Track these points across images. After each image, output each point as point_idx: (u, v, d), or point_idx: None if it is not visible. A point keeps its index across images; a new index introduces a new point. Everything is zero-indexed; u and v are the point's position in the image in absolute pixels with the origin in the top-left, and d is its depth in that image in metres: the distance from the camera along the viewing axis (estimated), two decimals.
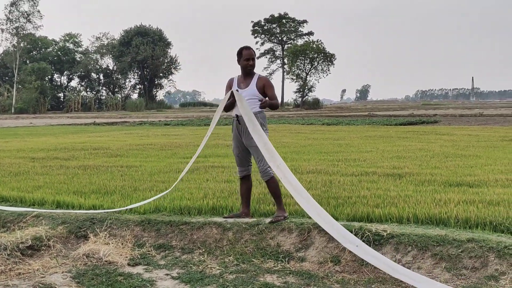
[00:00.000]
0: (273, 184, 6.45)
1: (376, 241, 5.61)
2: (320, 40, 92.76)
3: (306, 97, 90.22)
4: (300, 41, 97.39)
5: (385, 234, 5.67)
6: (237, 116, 6.38)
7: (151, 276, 5.31)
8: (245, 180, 6.70)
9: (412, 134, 20.71)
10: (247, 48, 6.51)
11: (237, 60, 6.50)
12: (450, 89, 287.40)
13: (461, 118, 40.29)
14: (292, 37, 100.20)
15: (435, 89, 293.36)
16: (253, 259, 5.68)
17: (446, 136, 19.35)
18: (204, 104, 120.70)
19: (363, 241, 5.60)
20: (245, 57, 6.41)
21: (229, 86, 6.58)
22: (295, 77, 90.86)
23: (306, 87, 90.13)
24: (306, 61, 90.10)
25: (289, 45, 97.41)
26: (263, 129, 6.24)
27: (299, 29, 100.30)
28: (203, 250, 5.99)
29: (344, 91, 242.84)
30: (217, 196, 7.78)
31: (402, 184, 8.64)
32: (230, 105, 6.41)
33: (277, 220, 6.21)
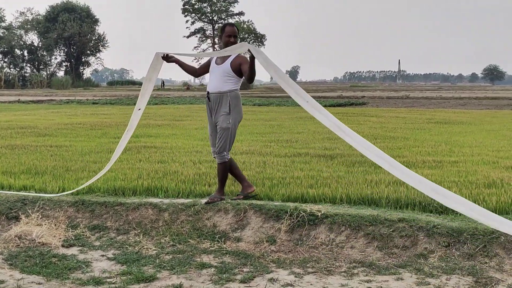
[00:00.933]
0: (223, 169, 6.36)
1: (311, 221, 5.70)
2: (251, 21, 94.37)
3: None
4: (231, 20, 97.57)
5: (319, 214, 5.77)
6: (208, 92, 6.31)
7: (86, 257, 5.21)
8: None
9: (341, 116, 21.01)
10: (231, 24, 6.43)
11: (219, 36, 6.41)
12: (377, 71, 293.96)
13: (388, 100, 41.31)
14: (223, 17, 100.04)
15: (363, 71, 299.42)
16: (189, 240, 5.67)
17: (374, 118, 19.83)
18: (133, 82, 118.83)
19: (298, 222, 5.71)
20: (227, 33, 6.29)
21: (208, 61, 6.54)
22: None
23: None
24: (237, 41, 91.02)
25: (220, 24, 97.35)
26: (231, 110, 6.18)
27: (230, 9, 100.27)
28: (139, 231, 5.93)
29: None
30: (151, 177, 7.70)
31: (334, 165, 8.82)
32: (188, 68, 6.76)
33: (213, 201, 6.21)
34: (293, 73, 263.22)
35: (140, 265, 4.98)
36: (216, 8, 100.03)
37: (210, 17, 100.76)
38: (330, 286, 4.52)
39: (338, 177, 7.68)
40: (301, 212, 5.82)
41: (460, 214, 5.65)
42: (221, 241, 5.64)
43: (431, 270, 4.81)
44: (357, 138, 5.35)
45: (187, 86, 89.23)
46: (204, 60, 6.71)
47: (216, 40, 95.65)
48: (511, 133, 14.16)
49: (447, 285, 4.51)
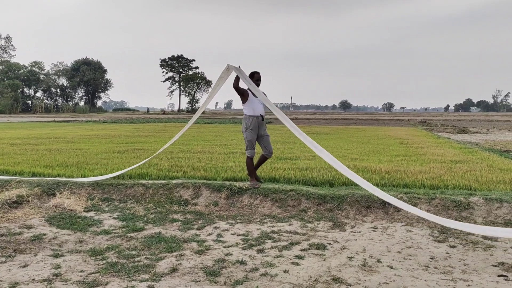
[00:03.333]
0: (266, 159, 6.07)
1: (239, 192, 5.74)
2: (203, 72, 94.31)
3: (194, 106, 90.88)
4: (190, 72, 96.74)
5: (244, 187, 5.86)
6: (261, 116, 5.89)
7: (100, 217, 5.06)
8: (252, 159, 6.08)
9: None
10: (258, 72, 5.87)
11: (251, 77, 5.72)
12: (278, 103, 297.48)
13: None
14: (186, 70, 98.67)
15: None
16: (165, 205, 5.60)
17: (277, 131, 20.04)
18: (129, 109, 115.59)
19: (232, 192, 5.75)
20: (256, 79, 5.78)
21: (246, 91, 5.82)
22: (187, 94, 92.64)
23: (194, 100, 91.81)
24: (194, 85, 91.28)
25: (183, 74, 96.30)
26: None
27: (190, 64, 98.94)
28: (133, 200, 5.79)
29: (217, 103, 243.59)
30: (141, 167, 7.53)
31: (254, 159, 8.90)
32: (237, 80, 5.67)
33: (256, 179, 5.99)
34: (229, 104, 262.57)
35: (134, 221, 4.89)
36: (181, 64, 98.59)
37: (178, 70, 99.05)
38: (250, 229, 4.59)
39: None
40: (233, 187, 5.87)
41: (329, 187, 5.85)
42: (185, 205, 5.61)
43: (308, 219, 4.98)
44: (304, 136, 5.31)
45: (163, 112, 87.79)
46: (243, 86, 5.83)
47: (181, 84, 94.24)
48: (355, 139, 14.71)
49: (318, 226, 4.68)
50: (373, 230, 4.55)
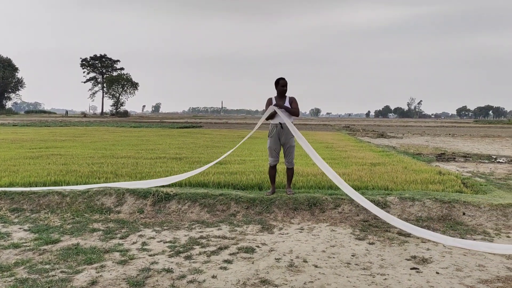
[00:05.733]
0: (291, 172, 5.94)
1: (166, 198, 5.62)
2: (129, 73, 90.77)
3: (119, 109, 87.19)
4: (115, 73, 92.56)
5: (171, 193, 5.74)
6: (280, 124, 5.75)
7: (8, 230, 4.63)
8: (274, 167, 5.94)
9: (187, 134, 20.99)
10: (283, 79, 5.79)
11: (275, 86, 5.80)
12: (209, 107, 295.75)
13: (215, 124, 41.96)
14: (109, 70, 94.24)
15: (200, 107, 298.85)
16: (84, 214, 5.30)
17: (207, 135, 19.95)
18: (44, 111, 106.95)
19: (158, 198, 5.61)
20: (282, 85, 5.74)
21: (269, 102, 5.79)
22: (111, 96, 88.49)
23: (119, 103, 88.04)
24: (119, 86, 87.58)
25: (107, 75, 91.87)
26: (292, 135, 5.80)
27: (114, 65, 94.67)
28: (48, 210, 5.40)
29: (144, 106, 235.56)
30: (57, 174, 7.05)
31: (182, 164, 8.76)
32: (271, 116, 5.75)
33: (291, 193, 5.76)
34: (157, 107, 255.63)
35: (48, 232, 4.55)
36: (104, 64, 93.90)
37: (101, 70, 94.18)
38: (178, 235, 4.52)
39: (183, 170, 7.62)
40: (160, 193, 5.73)
41: (258, 190, 5.93)
42: (107, 213, 5.36)
43: (237, 223, 5.03)
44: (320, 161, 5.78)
45: (84, 114, 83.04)
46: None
47: (104, 85, 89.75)
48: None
49: (247, 230, 4.74)
50: (300, 231, 4.71)
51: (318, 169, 7.99)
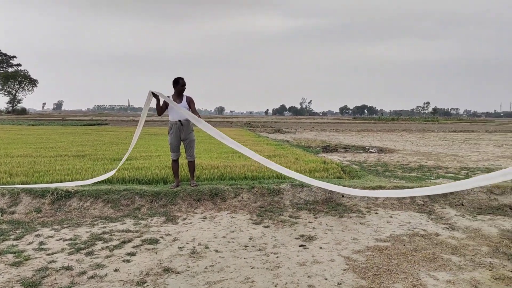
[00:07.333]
0: (193, 164, 5.80)
1: (67, 196, 5.17)
2: (27, 70, 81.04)
3: (16, 106, 77.43)
4: (11, 69, 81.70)
5: (72, 191, 5.29)
6: (180, 121, 5.58)
7: None
8: (177, 161, 5.77)
9: (91, 131, 19.49)
10: (182, 78, 5.62)
11: (174, 85, 5.59)
12: (116, 105, 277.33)
13: (122, 122, 39.75)
14: (4, 67, 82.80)
15: (106, 105, 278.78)
16: None
17: (112, 132, 18.77)
18: None
19: (58, 197, 5.12)
20: (182, 84, 5.58)
21: (166, 102, 5.53)
22: (7, 93, 78.33)
23: (16, 100, 78.17)
24: (15, 83, 77.78)
25: (2, 71, 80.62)
26: (192, 130, 5.72)
27: (10, 61, 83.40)
28: None
29: (44, 103, 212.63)
30: None
31: (84, 161, 8.13)
32: (161, 110, 5.56)
33: (195, 185, 5.68)
34: (59, 104, 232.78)
35: None
36: None
37: None
38: (79, 232, 4.18)
39: (87, 168, 7.11)
40: (60, 190, 5.24)
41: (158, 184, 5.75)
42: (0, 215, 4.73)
43: (142, 216, 4.83)
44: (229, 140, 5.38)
45: None
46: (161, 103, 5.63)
47: None
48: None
49: (151, 222, 4.58)
50: (203, 220, 4.71)
51: (221, 162, 8.07)
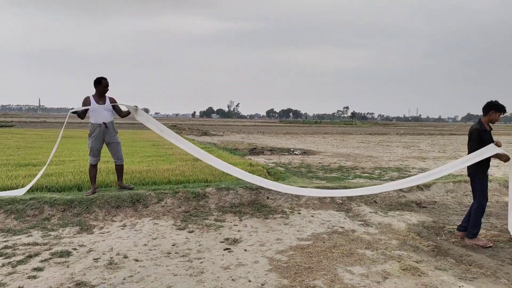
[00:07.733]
0: (121, 167, 5.60)
1: None
2: None
3: None
4: None
5: None
6: (105, 123, 5.30)
7: None
8: (96, 166, 5.45)
9: None
10: (105, 79, 5.33)
11: (96, 85, 5.29)
12: (23, 105, 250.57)
13: (31, 124, 36.25)
14: None
15: (13, 105, 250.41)
16: None
17: (19, 135, 16.99)
18: None
19: None
20: (105, 85, 5.30)
21: (87, 102, 5.23)
22: None
23: None
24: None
25: None
26: (116, 132, 5.49)
27: None
28: None
29: None
30: None
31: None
32: (83, 114, 5.23)
33: (126, 187, 5.62)
34: None
35: None
36: None
37: None
38: None
39: None
40: None
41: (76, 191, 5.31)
42: None
43: (52, 227, 4.41)
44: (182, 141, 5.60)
45: None
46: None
47: None
48: None
49: (63, 233, 4.20)
50: (122, 228, 4.45)
51: (144, 166, 7.73)
